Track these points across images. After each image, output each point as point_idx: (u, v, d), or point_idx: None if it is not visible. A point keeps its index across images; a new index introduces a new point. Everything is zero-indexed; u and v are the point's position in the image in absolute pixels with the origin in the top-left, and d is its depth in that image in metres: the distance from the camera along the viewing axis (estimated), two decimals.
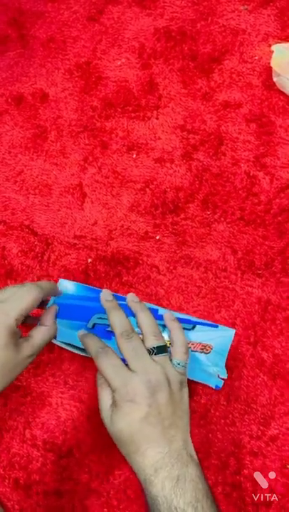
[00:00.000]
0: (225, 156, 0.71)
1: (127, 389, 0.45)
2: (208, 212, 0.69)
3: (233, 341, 0.61)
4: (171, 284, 0.66)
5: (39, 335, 0.48)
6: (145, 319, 0.50)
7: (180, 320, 0.54)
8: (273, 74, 0.73)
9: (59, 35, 0.80)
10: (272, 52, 0.73)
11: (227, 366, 0.61)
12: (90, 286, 0.56)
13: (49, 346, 0.63)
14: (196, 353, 0.53)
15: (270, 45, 0.75)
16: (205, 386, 0.60)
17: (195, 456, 0.45)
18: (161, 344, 0.48)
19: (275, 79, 0.73)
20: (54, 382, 0.62)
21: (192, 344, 0.54)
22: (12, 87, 0.78)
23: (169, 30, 0.78)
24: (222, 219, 0.68)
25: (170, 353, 0.50)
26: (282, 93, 0.73)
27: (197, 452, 0.47)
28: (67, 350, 0.62)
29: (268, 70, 0.74)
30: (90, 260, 0.67)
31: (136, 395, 0.45)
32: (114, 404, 0.46)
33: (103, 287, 0.66)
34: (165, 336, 0.52)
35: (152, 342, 0.48)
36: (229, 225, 0.68)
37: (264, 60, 0.76)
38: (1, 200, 0.72)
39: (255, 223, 0.68)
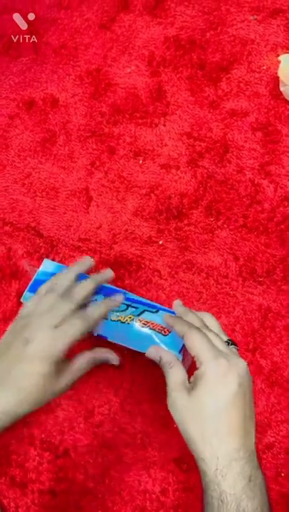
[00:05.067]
0: (230, 163, 0.72)
1: (219, 362, 0.42)
2: (212, 219, 0.69)
3: None
4: (172, 289, 0.66)
5: (81, 361, 0.48)
6: (211, 322, 0.51)
7: (145, 304, 0.55)
8: (280, 84, 0.74)
9: (71, 42, 0.82)
10: (280, 62, 0.73)
11: None
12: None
13: None
14: (153, 333, 0.54)
15: (278, 55, 0.76)
16: None
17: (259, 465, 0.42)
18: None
19: (282, 88, 0.74)
20: None
21: (152, 324, 0.55)
22: (24, 92, 0.79)
23: (178, 39, 0.79)
24: (225, 226, 0.69)
25: None
26: None
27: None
28: None
29: (276, 79, 0.75)
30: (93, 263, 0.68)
31: (229, 370, 0.42)
32: (199, 377, 0.43)
33: None
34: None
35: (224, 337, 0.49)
36: (232, 232, 0.68)
37: (272, 70, 0.76)
38: (9, 202, 0.73)
39: (258, 231, 0.68)
